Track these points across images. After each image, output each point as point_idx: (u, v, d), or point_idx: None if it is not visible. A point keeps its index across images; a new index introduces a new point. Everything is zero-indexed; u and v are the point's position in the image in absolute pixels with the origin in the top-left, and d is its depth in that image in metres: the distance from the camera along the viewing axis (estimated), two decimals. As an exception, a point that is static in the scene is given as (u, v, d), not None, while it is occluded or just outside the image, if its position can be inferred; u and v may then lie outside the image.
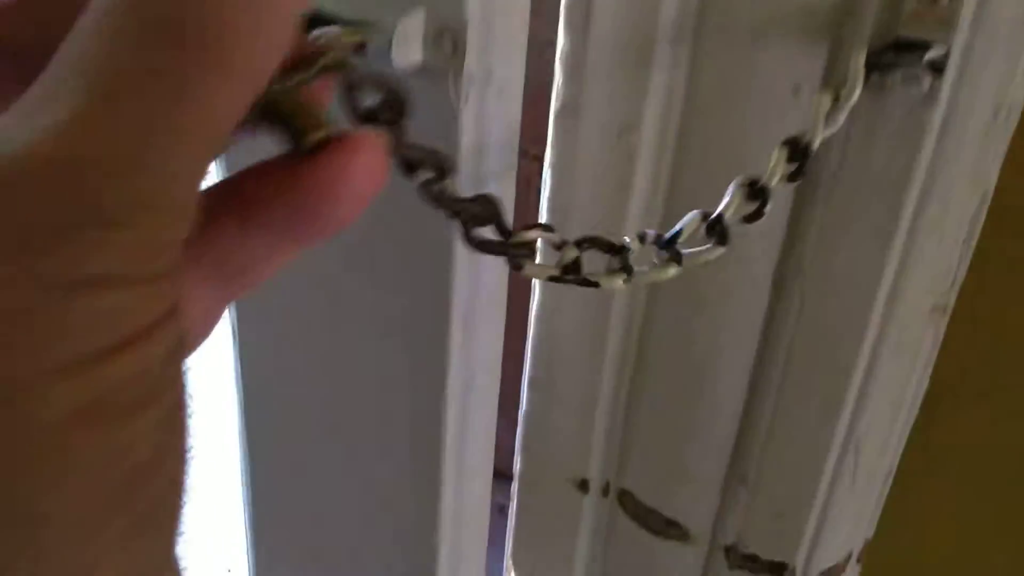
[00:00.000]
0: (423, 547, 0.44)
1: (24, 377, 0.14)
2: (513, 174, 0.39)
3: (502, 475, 0.52)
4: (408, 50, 0.33)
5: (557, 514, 0.50)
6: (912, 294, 0.37)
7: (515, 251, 0.25)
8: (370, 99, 0.21)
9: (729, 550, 0.47)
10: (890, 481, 0.43)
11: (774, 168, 0.30)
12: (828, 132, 0.32)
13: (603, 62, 0.39)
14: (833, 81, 0.34)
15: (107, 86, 0.15)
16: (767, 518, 0.44)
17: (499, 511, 0.54)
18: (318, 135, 0.19)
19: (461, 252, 0.39)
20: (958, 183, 0.35)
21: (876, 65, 0.33)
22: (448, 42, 0.33)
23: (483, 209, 0.24)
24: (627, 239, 0.27)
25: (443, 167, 0.22)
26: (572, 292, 0.44)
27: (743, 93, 0.37)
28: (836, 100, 0.33)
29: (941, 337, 0.39)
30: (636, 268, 0.27)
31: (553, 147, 0.41)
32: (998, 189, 0.37)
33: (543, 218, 0.42)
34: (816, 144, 0.32)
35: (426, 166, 0.22)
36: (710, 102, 0.38)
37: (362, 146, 0.19)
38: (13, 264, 0.14)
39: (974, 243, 0.37)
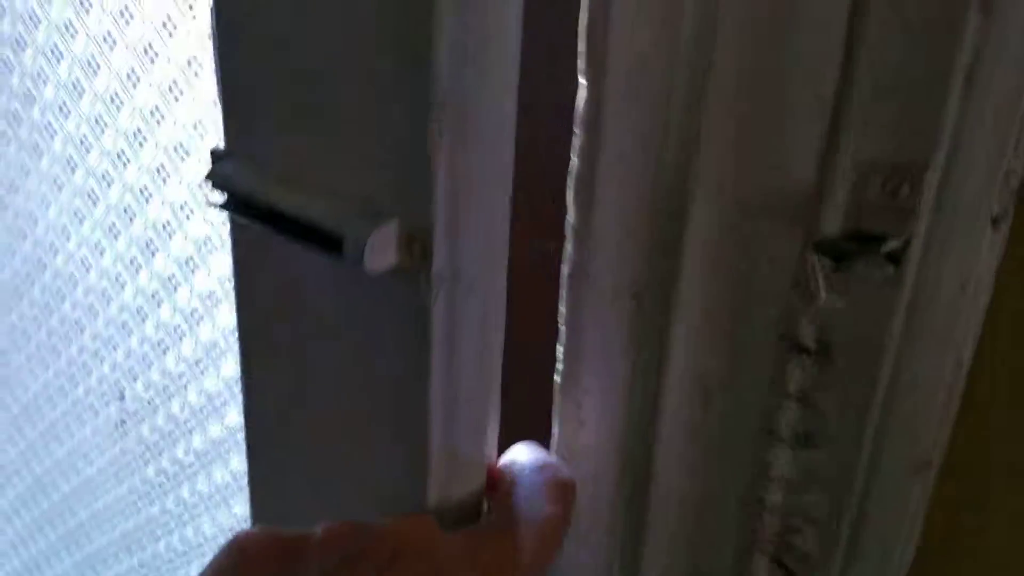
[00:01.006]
0: None
1: None
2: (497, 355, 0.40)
3: None
4: (382, 257, 0.34)
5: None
6: (894, 453, 0.38)
7: None
8: None
9: None
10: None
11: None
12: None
13: (609, 231, 0.40)
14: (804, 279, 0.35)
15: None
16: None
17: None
18: None
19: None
20: (930, 354, 0.35)
21: (840, 254, 0.34)
22: (418, 246, 0.34)
23: None
24: None
25: None
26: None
27: (733, 262, 0.38)
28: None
29: (929, 492, 0.39)
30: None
31: (567, 306, 0.42)
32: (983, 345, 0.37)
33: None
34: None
35: None
36: (706, 271, 0.39)
37: None
38: None
39: (955, 404, 0.37)
